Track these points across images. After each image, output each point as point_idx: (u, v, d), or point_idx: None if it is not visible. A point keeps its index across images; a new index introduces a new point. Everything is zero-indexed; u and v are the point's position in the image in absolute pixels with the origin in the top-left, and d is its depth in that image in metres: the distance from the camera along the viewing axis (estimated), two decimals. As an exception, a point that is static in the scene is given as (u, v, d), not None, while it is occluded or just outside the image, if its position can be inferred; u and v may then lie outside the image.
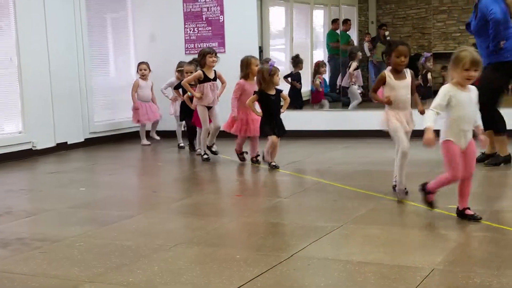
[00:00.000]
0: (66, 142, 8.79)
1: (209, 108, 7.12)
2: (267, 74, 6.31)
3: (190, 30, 9.61)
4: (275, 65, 6.46)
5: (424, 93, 9.56)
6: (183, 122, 8.46)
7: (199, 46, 9.52)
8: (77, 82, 8.98)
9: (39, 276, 3.38)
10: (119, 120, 9.83)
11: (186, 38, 9.65)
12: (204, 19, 9.50)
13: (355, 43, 11.85)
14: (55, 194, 5.93)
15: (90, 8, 9.33)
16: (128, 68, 10.19)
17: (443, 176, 4.14)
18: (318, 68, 10.40)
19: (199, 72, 7.10)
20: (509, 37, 6.03)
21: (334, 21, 11.55)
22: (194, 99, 7.19)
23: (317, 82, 10.22)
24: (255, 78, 6.67)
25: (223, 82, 7.25)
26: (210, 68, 7.08)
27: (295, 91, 9.95)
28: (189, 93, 7.38)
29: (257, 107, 6.55)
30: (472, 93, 4.08)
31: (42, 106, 8.41)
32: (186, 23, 9.63)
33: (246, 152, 6.94)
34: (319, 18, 12.37)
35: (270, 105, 6.38)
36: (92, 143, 9.16)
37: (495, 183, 5.58)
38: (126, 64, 10.19)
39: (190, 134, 8.06)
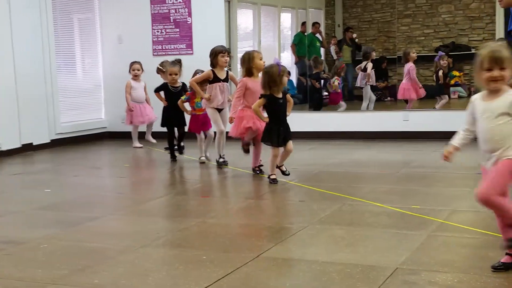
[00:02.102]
0: (32, 143, 8.69)
1: (219, 111, 6.69)
2: (277, 76, 5.62)
3: (158, 32, 9.59)
4: (282, 64, 5.76)
5: (436, 90, 9.73)
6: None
7: (166, 48, 9.51)
8: (43, 83, 8.88)
9: (4, 279, 3.35)
10: (86, 121, 9.78)
11: (154, 39, 9.62)
12: (172, 21, 9.49)
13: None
14: (19, 195, 5.86)
15: (56, 9, 9.25)
16: (95, 69, 10.12)
17: None
18: (337, 70, 10.56)
19: (209, 71, 6.65)
20: None
21: (303, 24, 11.65)
22: (203, 101, 6.79)
23: (336, 83, 10.32)
24: (260, 74, 6.08)
25: (236, 84, 6.56)
26: (222, 68, 6.63)
27: (314, 91, 10.50)
28: (183, 98, 7.04)
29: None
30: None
31: (7, 106, 8.30)
32: (154, 25, 9.60)
33: (250, 143, 6.28)
34: (287, 21, 12.45)
35: (278, 110, 5.71)
36: (58, 144, 9.06)
37: (456, 184, 5.70)
38: (93, 65, 10.12)
39: (171, 141, 7.51)
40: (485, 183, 3.10)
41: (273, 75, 5.61)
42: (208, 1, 9.30)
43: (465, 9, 11.99)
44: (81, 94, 9.84)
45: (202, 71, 6.91)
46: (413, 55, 9.86)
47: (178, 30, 9.46)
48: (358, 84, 10.51)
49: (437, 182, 5.76)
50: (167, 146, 8.08)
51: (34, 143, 8.72)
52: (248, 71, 6.14)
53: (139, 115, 8.69)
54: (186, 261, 3.55)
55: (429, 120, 8.71)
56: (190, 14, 9.37)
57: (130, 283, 3.22)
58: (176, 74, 7.34)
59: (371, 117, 9.18)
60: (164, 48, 9.54)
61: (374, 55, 10.69)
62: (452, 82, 10.72)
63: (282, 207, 5.13)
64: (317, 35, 11.53)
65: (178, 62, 7.49)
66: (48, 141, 8.98)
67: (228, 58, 6.66)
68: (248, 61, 6.12)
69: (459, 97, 11.08)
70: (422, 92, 9.67)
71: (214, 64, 6.61)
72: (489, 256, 3.43)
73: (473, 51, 10.99)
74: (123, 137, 9.67)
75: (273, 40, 11.94)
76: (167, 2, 9.47)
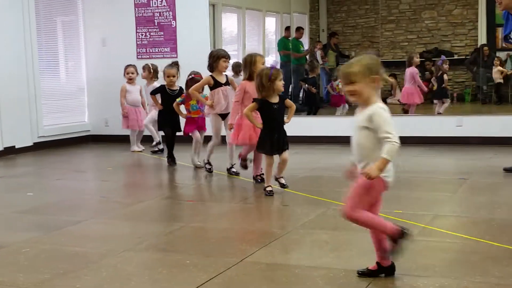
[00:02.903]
0: (14, 146, 8.62)
1: (223, 116, 6.42)
2: (266, 80, 5.27)
3: (142, 35, 9.56)
4: (277, 67, 5.50)
5: (439, 94, 9.75)
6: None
7: (151, 51, 9.49)
8: (25, 86, 8.82)
9: (-16, 283, 3.32)
10: (69, 125, 9.73)
11: (138, 42, 9.59)
12: (156, 24, 9.47)
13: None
14: (2, 199, 5.81)
15: (39, 11, 9.19)
16: (78, 72, 10.07)
17: None
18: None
19: (208, 77, 6.38)
20: None
21: (287, 29, 11.70)
22: (206, 108, 6.52)
23: (340, 86, 10.37)
24: None
25: (235, 89, 6.27)
26: (220, 73, 6.38)
27: (310, 95, 10.45)
28: (178, 100, 6.79)
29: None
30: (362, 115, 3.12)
31: (-11, 109, 8.24)
32: (138, 28, 9.57)
33: (250, 160, 6.05)
34: (271, 25, 12.48)
35: (272, 115, 5.37)
36: (41, 147, 9.00)
37: (438, 189, 5.74)
38: (76, 68, 10.07)
39: (169, 145, 7.29)
40: (347, 201, 3.15)
41: (262, 78, 5.31)
42: (193, 4, 9.30)
43: (448, 15, 12.12)
44: (64, 97, 9.79)
45: (197, 73, 6.74)
46: (417, 60, 9.86)
47: (162, 33, 9.45)
48: None
49: (419, 187, 5.79)
50: (154, 150, 8.11)
51: (17, 146, 8.65)
52: (249, 75, 5.80)
53: (135, 119, 8.48)
54: (169, 265, 3.54)
55: (409, 125, 8.77)
56: (174, 18, 9.36)
57: (113, 288, 3.21)
58: (174, 76, 7.15)
59: (350, 122, 9.21)
60: (148, 51, 9.52)
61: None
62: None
63: (266, 211, 5.13)
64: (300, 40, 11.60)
65: (176, 65, 7.29)
66: (31, 144, 8.91)
67: (228, 64, 6.48)
68: (250, 64, 5.82)
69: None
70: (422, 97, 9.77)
71: (213, 67, 6.35)
72: (471, 261, 3.47)
73: (456, 57, 11.11)
74: (106, 140, 9.64)
75: (257, 44, 11.96)
76: (151, 5, 9.46)
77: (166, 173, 7.06)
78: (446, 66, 9.86)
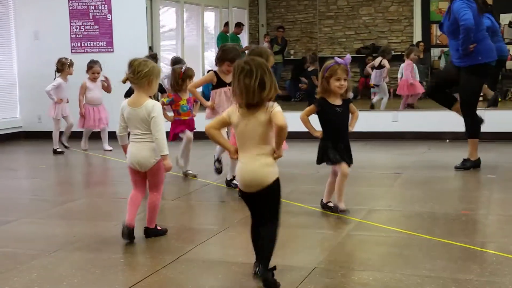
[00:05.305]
0: None
1: None
2: (321, 76, 4.37)
3: (76, 29, 9.32)
4: (340, 62, 4.31)
5: None
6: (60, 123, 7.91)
7: (85, 45, 9.28)
8: (-48, 80, 8.48)
9: None
10: (0, 120, 9.41)
11: (72, 36, 9.35)
12: (91, 18, 9.24)
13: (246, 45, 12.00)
14: None
15: (-34, 2, 8.85)
16: (9, 66, 9.74)
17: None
18: None
19: (211, 74, 5.42)
20: (480, 40, 5.85)
21: (226, 24, 11.67)
22: (207, 111, 5.52)
23: None
24: None
25: None
26: (228, 72, 5.20)
27: (313, 88, 10.45)
28: (164, 101, 5.85)
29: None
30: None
31: None
32: (72, 21, 9.32)
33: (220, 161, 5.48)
34: (210, 20, 12.42)
35: (334, 120, 4.42)
36: (-31, 144, 8.68)
37: (374, 183, 5.83)
38: (7, 62, 9.74)
39: None
40: None
41: (322, 73, 4.35)
42: (129, -2, 9.13)
43: (385, 12, 12.36)
44: (-7, 92, 9.47)
45: (187, 67, 5.90)
46: (415, 56, 9.85)
47: (97, 27, 9.24)
48: (372, 81, 10.35)
49: (355, 181, 5.84)
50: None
51: None
52: None
53: (91, 119, 8.00)
54: (102, 265, 3.45)
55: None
56: (110, 11, 9.16)
57: (43, 290, 3.10)
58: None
59: (292, 118, 9.23)
60: (83, 45, 9.29)
61: (389, 57, 10.56)
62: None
63: (203, 208, 5.09)
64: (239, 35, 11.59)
65: (154, 58, 6.47)
66: (-42, 141, 8.58)
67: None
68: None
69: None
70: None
71: (221, 62, 5.32)
72: (403, 254, 3.53)
73: (392, 53, 11.30)
74: (39, 137, 9.36)
75: (196, 39, 11.89)
76: (85, -2, 9.23)
77: (100, 171, 6.91)
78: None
